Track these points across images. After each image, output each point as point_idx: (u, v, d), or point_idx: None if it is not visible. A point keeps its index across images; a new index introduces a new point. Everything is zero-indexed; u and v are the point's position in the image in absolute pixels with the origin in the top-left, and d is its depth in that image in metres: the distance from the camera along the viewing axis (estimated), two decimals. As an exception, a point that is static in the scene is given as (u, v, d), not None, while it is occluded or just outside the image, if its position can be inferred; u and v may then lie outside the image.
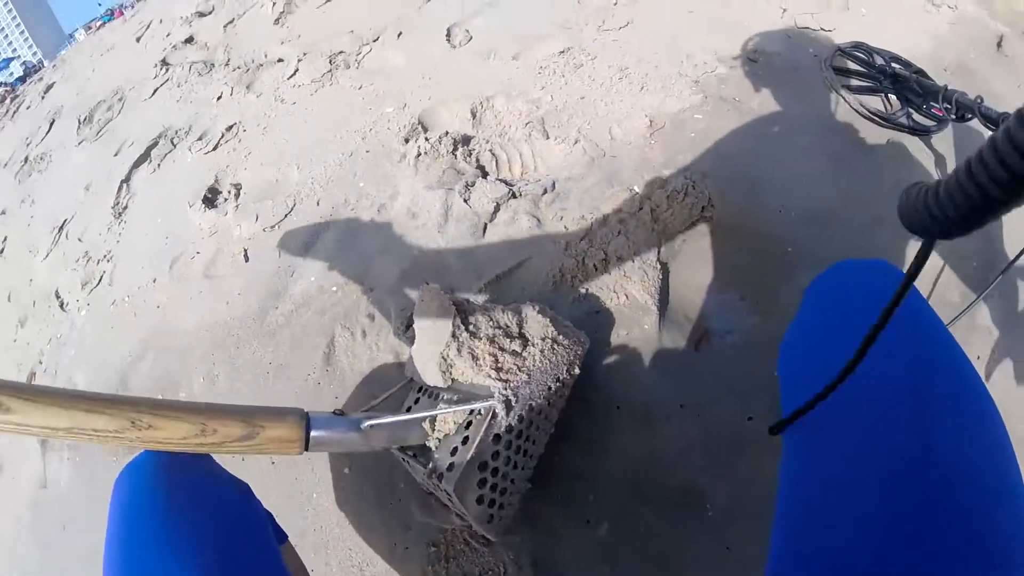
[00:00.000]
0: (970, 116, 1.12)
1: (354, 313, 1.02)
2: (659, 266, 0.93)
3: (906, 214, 0.34)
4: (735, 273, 0.98)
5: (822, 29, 1.41)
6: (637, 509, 0.84)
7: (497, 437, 0.72)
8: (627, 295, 0.90)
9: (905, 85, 1.26)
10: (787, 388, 0.53)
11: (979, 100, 1.11)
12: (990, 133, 1.02)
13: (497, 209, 1.00)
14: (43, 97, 3.75)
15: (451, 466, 0.71)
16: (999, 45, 1.54)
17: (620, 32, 1.36)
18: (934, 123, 1.24)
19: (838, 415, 0.45)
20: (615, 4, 1.45)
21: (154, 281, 1.50)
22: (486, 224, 1.00)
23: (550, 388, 0.79)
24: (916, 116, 1.25)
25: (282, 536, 0.72)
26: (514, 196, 1.01)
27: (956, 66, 1.43)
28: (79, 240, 2.00)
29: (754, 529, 0.83)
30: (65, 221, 2.16)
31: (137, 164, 1.97)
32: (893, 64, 1.30)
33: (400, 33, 1.73)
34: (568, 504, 0.84)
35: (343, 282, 1.06)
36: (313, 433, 0.77)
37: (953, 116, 1.17)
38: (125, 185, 1.96)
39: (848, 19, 1.45)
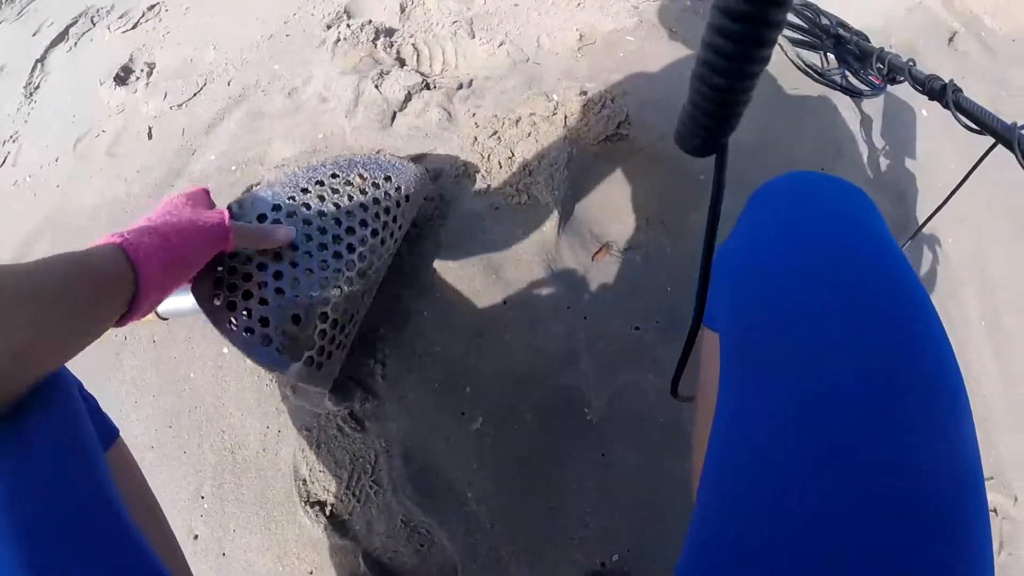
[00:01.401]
0: (900, 79, 1.13)
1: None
2: (566, 172, 0.90)
3: (678, 135, 0.33)
4: (644, 195, 0.97)
5: (772, -18, 1.39)
6: (514, 406, 0.82)
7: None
8: (529, 195, 0.87)
9: (845, 48, 1.26)
10: (724, 295, 0.46)
11: (911, 62, 1.11)
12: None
13: (408, 98, 0.95)
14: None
15: None
16: (951, 40, 1.56)
17: (569, -48, 1.31)
18: (867, 88, 1.25)
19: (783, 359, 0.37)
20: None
21: (56, 160, 1.39)
22: (395, 112, 0.95)
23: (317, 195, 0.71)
24: (851, 79, 1.25)
25: (110, 434, 0.56)
26: (428, 88, 0.96)
27: (904, 47, 1.43)
28: (-13, 122, 1.84)
29: (630, 437, 0.83)
30: (-27, 104, 1.98)
31: (54, 43, 1.81)
32: (840, 28, 1.30)
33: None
34: (445, 394, 0.82)
35: (243, 162, 1.00)
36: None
37: (886, 78, 1.18)
38: (40, 64, 1.80)
39: None
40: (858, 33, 1.32)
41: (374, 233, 0.74)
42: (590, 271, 0.89)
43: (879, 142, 1.24)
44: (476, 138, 0.91)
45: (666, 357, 0.86)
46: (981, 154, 0.82)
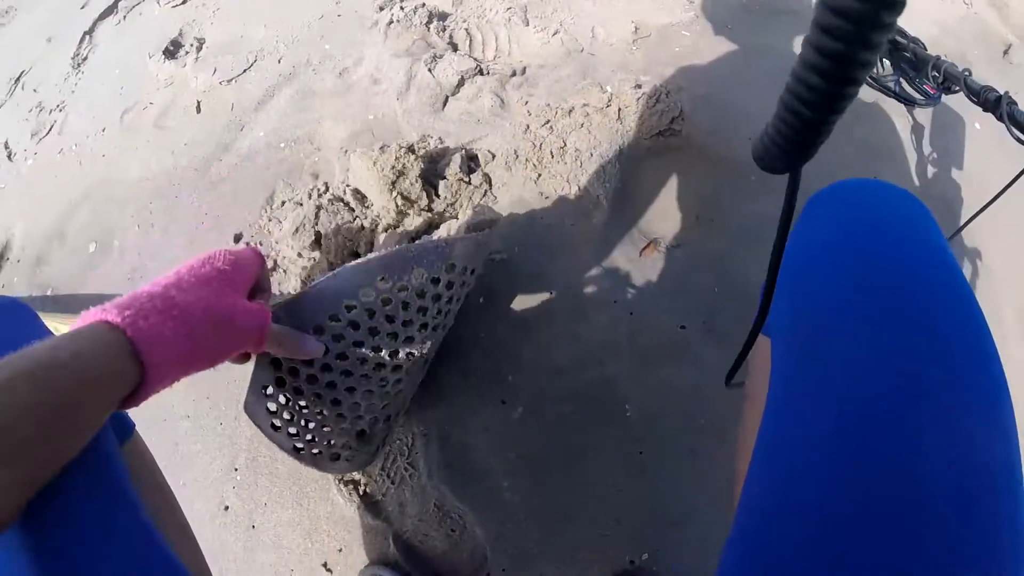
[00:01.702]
0: (956, 88, 1.10)
1: (298, 171, 0.96)
2: (617, 166, 0.89)
3: (757, 153, 0.33)
4: (694, 192, 0.95)
5: (827, -17, 1.36)
6: (555, 398, 0.81)
7: (277, 363, 0.58)
8: (579, 187, 0.86)
9: (902, 55, 1.23)
10: (782, 299, 0.44)
11: (967, 72, 1.08)
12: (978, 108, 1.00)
13: (461, 83, 0.94)
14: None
15: None
16: (1005, 52, 1.51)
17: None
18: (921, 97, 1.21)
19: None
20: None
21: (103, 131, 1.40)
22: (447, 97, 0.94)
23: (399, 303, 0.60)
24: (905, 86, 1.22)
25: (125, 429, 0.51)
26: (481, 73, 0.95)
27: (956, 56, 1.39)
28: (34, 91, 1.86)
29: (667, 436, 0.82)
30: (23, 72, 2.01)
31: (103, 16, 1.84)
32: (896, 35, 1.27)
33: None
34: (486, 382, 0.81)
35: (292, 140, 1.00)
36: None
37: (941, 87, 1.14)
38: (88, 36, 1.83)
39: None
40: (915, 40, 1.29)
41: (435, 328, 0.65)
42: (637, 266, 0.87)
43: (929, 152, 1.21)
44: (528, 126, 0.90)
45: (709, 357, 0.85)
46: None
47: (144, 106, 1.33)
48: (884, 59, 1.26)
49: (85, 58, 1.76)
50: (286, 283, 0.89)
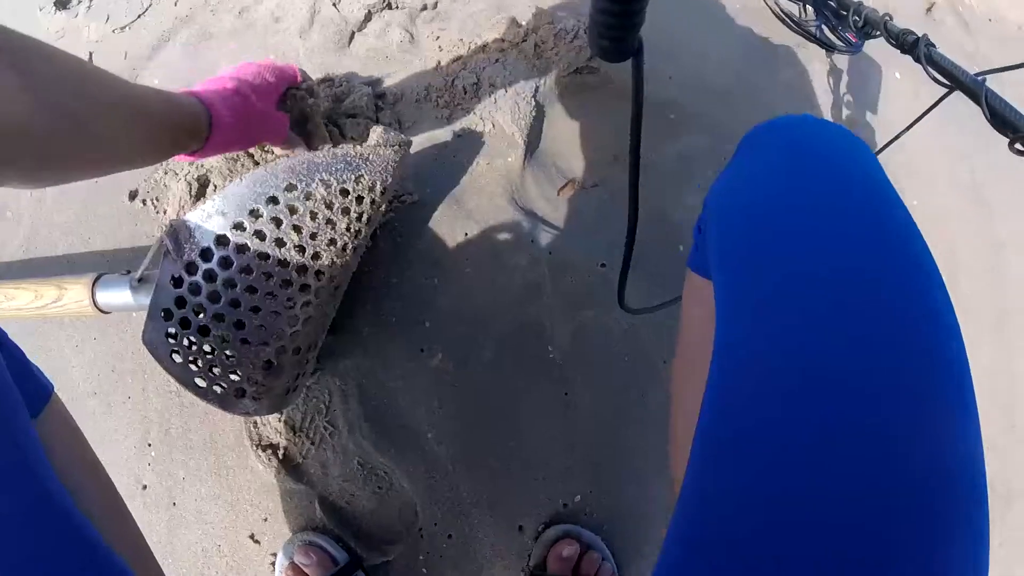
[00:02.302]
0: (876, 33, 1.09)
1: (195, 119, 0.88)
2: (533, 103, 0.84)
3: (590, 43, 0.33)
4: (613, 131, 0.91)
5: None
6: (475, 342, 0.78)
7: (178, 280, 0.57)
8: (494, 124, 0.81)
9: (826, 1, 1.21)
10: (718, 235, 0.40)
11: (887, 17, 1.07)
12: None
13: (368, 18, 0.87)
14: None
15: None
16: (928, 10, 1.51)
17: None
18: (843, 44, 1.20)
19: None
20: None
21: (-8, 93, 1.27)
22: (353, 32, 0.86)
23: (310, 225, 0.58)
24: (827, 32, 1.20)
25: (41, 392, 0.48)
26: (389, 7, 0.88)
27: (880, 7, 1.39)
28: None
29: (593, 375, 0.79)
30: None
31: (-8, -30, 1.66)
32: None
33: None
34: (403, 329, 0.77)
35: (187, 85, 0.91)
36: (96, 294, 0.68)
37: (861, 33, 1.13)
38: (-25, -8, 1.65)
39: None
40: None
41: (344, 248, 0.62)
42: (555, 206, 0.83)
43: (849, 100, 1.20)
44: (440, 62, 0.84)
45: (632, 295, 0.82)
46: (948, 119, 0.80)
47: (34, 63, 1.21)
48: (808, 4, 1.24)
49: (-28, 16, 1.59)
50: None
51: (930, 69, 0.84)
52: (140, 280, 0.68)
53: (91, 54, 1.09)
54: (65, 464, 0.44)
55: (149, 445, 0.82)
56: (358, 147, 0.61)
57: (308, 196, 0.58)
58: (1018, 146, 0.59)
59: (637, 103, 0.35)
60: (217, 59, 0.91)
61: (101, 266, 0.89)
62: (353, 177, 0.60)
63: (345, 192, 0.60)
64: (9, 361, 0.42)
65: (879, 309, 0.30)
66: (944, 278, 0.33)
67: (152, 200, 0.86)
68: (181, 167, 0.84)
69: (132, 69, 0.99)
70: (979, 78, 0.73)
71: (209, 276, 0.57)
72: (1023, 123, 0.60)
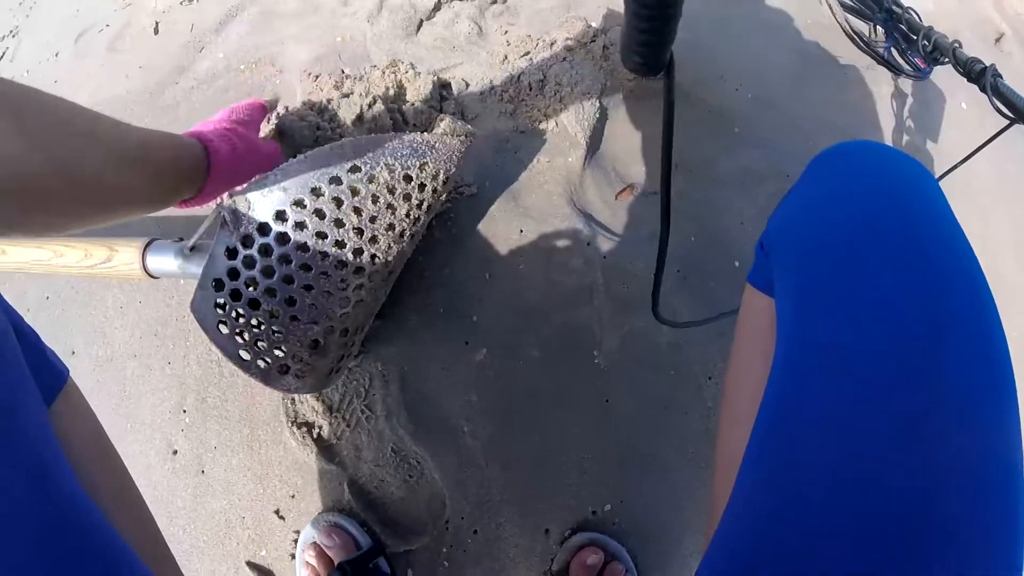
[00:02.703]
0: (944, 60, 1.06)
1: (258, 93, 0.88)
2: (598, 104, 0.82)
3: (622, 57, 0.33)
4: (675, 138, 0.89)
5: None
6: (521, 341, 0.76)
7: (232, 252, 0.56)
8: (557, 123, 0.79)
9: (896, 23, 1.18)
10: (788, 260, 0.41)
11: (956, 44, 1.04)
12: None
13: (438, 7, 0.86)
14: None
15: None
16: (997, 40, 1.47)
17: None
18: (910, 68, 1.17)
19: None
20: None
21: (56, 56, 1.29)
22: (422, 20, 0.86)
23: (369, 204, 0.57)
24: (896, 55, 1.18)
25: (55, 377, 0.46)
26: (459, -2, 0.88)
27: (949, 34, 1.36)
28: (-13, 15, 1.72)
29: (636, 386, 0.77)
30: (-26, -3, 1.86)
31: (63, -64, 1.68)
32: (894, 4, 1.22)
33: None
34: (450, 321, 0.76)
35: (253, 62, 0.91)
36: (147, 259, 0.68)
37: (930, 59, 1.10)
38: (46, -42, 1.68)
39: None
40: (910, 10, 1.24)
41: (401, 235, 0.60)
42: (613, 209, 0.82)
43: (913, 126, 1.17)
44: (507, 56, 0.82)
45: (682, 308, 0.80)
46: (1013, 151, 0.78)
47: (100, 28, 1.22)
48: (879, 26, 1.22)
49: (41, -20, 1.62)
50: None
51: (995, 100, 0.82)
52: (192, 249, 0.67)
53: (157, 24, 1.10)
54: (79, 453, 0.43)
55: (184, 411, 0.82)
56: (425, 134, 0.60)
57: (371, 179, 0.57)
58: None
59: (668, 117, 0.36)
60: (284, 37, 0.91)
61: (153, 231, 0.89)
62: (418, 164, 0.59)
63: (408, 178, 0.59)
64: (25, 348, 0.41)
65: (935, 394, 0.29)
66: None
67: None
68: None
69: (197, 42, 1.00)
70: None
71: (264, 250, 0.56)
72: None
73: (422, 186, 0.60)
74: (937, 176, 0.88)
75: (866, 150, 0.43)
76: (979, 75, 0.90)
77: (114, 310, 0.87)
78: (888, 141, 1.11)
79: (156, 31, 1.07)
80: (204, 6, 1.03)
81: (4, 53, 1.50)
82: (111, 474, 0.49)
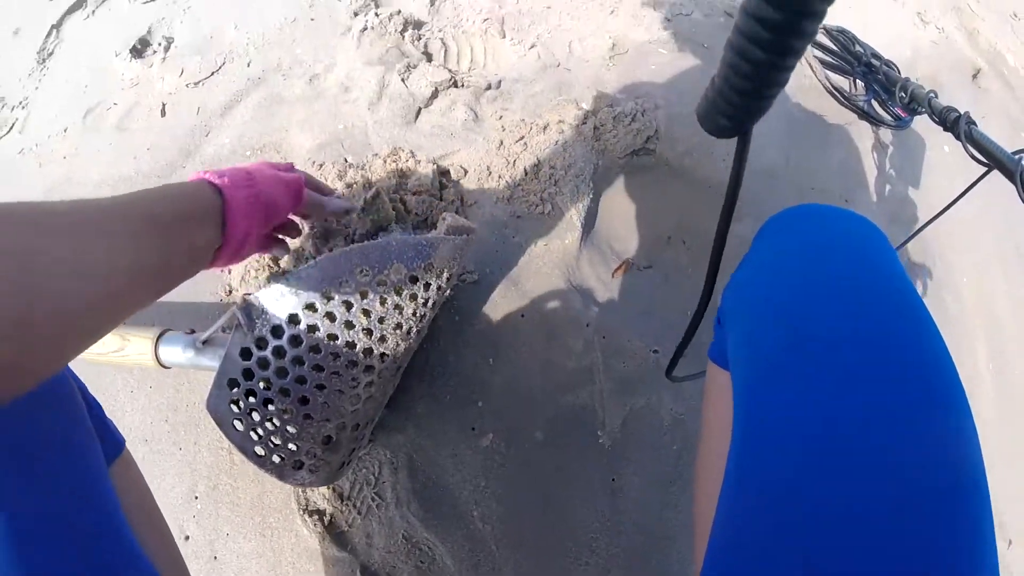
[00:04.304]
0: (921, 109, 1.07)
1: (263, 182, 0.88)
2: (591, 185, 0.83)
3: (702, 115, 0.30)
4: (668, 211, 0.90)
5: (804, 5, 1.32)
6: (526, 424, 0.76)
7: (246, 352, 0.56)
8: (553, 206, 0.80)
9: (875, 76, 1.20)
10: (738, 330, 0.42)
11: (932, 94, 1.05)
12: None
13: (435, 95, 0.87)
14: None
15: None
16: (974, 76, 1.50)
17: (603, -43, 1.23)
18: (891, 119, 1.19)
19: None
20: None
21: (65, 131, 1.30)
22: (420, 108, 0.87)
23: (376, 301, 0.57)
24: (877, 107, 1.19)
25: (115, 445, 0.50)
26: (455, 85, 0.88)
27: (928, 79, 1.37)
28: (-2, 85, 1.74)
29: (642, 463, 0.77)
30: (-13, 64, 1.88)
31: (72, 10, 1.70)
32: (873, 59, 1.24)
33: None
34: (456, 407, 0.75)
35: (258, 148, 0.92)
36: (160, 349, 0.68)
37: (908, 109, 1.12)
38: (55, 30, 1.70)
39: (834, 10, 1.36)
40: (888, 63, 1.26)
41: (408, 332, 0.61)
42: (609, 287, 0.82)
43: (900, 176, 1.18)
44: (502, 142, 0.83)
45: (684, 383, 0.80)
46: (996, 194, 0.78)
47: (108, 106, 1.23)
48: (858, 79, 1.23)
49: (51, 53, 1.64)
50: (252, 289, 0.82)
51: (969, 147, 0.83)
52: (204, 342, 0.67)
53: (164, 105, 1.11)
54: (129, 512, 0.44)
55: (196, 498, 0.81)
56: (428, 235, 0.60)
57: (380, 282, 0.57)
58: None
59: (736, 178, 0.33)
60: (288, 124, 0.92)
61: (162, 317, 0.89)
62: (423, 264, 0.59)
63: (414, 279, 0.59)
64: (90, 415, 0.45)
65: (884, 439, 0.31)
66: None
67: (217, 258, 0.86)
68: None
69: (204, 125, 1.00)
70: (1017, 156, 0.71)
71: (278, 352, 0.56)
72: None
73: (427, 285, 0.61)
74: (920, 225, 0.89)
75: (812, 216, 0.44)
76: (954, 123, 0.91)
77: (124, 394, 0.87)
78: (874, 194, 1.12)
79: (163, 113, 1.08)
80: (210, 89, 1.03)
81: (14, 124, 1.51)
82: (162, 540, 0.53)
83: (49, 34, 1.73)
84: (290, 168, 0.62)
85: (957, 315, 1.06)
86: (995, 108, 1.42)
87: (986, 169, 0.80)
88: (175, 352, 0.69)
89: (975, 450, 0.32)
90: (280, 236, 0.66)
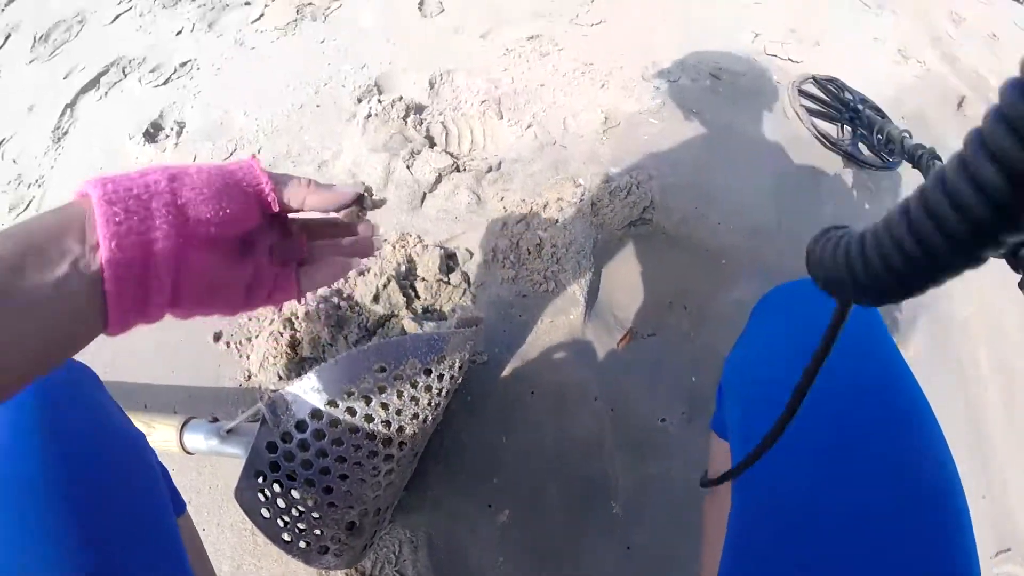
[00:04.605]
0: (893, 147, 1.12)
1: (278, 268, 0.93)
2: (592, 259, 0.87)
3: (820, 269, 0.25)
4: (667, 278, 0.94)
5: (790, 60, 1.38)
6: (541, 498, 0.79)
7: (272, 446, 0.60)
8: (557, 283, 0.84)
9: (861, 121, 1.25)
10: (735, 407, 0.47)
11: (905, 134, 1.09)
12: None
13: (439, 180, 0.92)
14: (3, 9, 3.40)
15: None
16: (960, 105, 1.55)
17: (592, 28, 1.30)
18: (879, 162, 1.23)
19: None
20: (592, 1, 1.38)
21: (82, 211, 1.36)
22: (425, 194, 0.92)
23: (394, 394, 0.61)
24: (865, 151, 1.24)
25: (180, 505, 0.56)
26: (458, 170, 0.94)
27: (914, 115, 1.43)
28: (14, 162, 1.80)
29: (656, 531, 0.79)
30: (3, 140, 1.95)
31: (85, 90, 1.78)
32: (860, 104, 1.29)
33: (375, -6, 1.61)
34: (472, 485, 0.78)
35: (272, 235, 0.97)
36: (184, 437, 0.72)
37: (885, 150, 1.16)
38: (69, 110, 1.78)
39: (817, 55, 1.42)
40: (874, 107, 1.31)
41: (425, 420, 0.65)
42: (615, 358, 0.85)
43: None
44: (505, 223, 0.88)
45: (692, 448, 0.83)
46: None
47: (124, 190, 1.29)
48: (845, 125, 1.29)
49: (66, 132, 1.71)
50: (265, 380, 0.86)
51: None
52: (229, 431, 0.71)
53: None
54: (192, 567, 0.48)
55: (220, 578, 0.83)
56: (440, 330, 0.64)
57: (396, 377, 0.61)
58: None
59: (826, 346, 0.30)
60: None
61: (183, 401, 0.93)
62: (436, 358, 0.63)
63: (428, 371, 0.63)
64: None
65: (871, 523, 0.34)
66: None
67: (236, 344, 0.90)
68: (265, 315, 0.88)
69: (218, 211, 1.06)
70: None
71: (303, 445, 0.60)
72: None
73: (441, 376, 0.65)
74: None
75: (793, 297, 0.48)
76: (918, 159, 0.95)
77: (149, 478, 0.90)
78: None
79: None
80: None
81: (31, 202, 1.57)
82: None
83: (63, 113, 1.80)
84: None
85: (961, 322, 1.08)
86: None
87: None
88: (199, 440, 0.73)
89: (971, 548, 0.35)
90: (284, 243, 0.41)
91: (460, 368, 0.67)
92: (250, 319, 0.90)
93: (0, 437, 0.41)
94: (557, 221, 0.88)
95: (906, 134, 1.08)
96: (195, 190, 0.33)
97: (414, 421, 0.64)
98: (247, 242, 0.36)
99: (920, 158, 0.95)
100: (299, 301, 0.60)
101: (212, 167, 0.35)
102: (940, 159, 0.93)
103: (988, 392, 1.05)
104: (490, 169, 0.94)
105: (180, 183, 0.32)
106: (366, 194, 0.42)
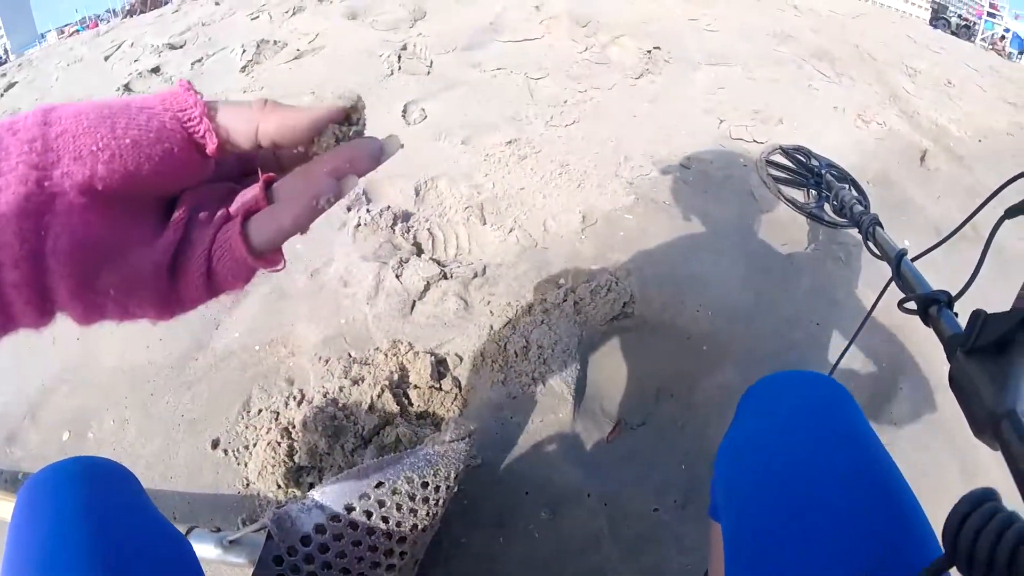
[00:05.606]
0: (845, 212, 1.18)
1: (273, 376, 0.98)
2: (578, 356, 0.94)
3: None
4: (652, 367, 1.00)
5: (755, 141, 1.51)
6: (539, 600, 0.81)
7: (279, 559, 0.63)
8: (545, 384, 0.90)
9: (825, 185, 1.36)
10: (728, 498, 0.52)
11: (856, 200, 1.16)
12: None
13: (427, 288, 0.99)
14: (1, 95, 3.56)
15: None
16: (922, 159, 1.66)
17: (566, 129, 1.42)
18: (844, 220, 1.32)
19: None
20: (564, 103, 1.51)
21: (74, 318, 1.40)
22: (415, 301, 0.99)
23: (391, 510, 0.66)
24: (830, 212, 1.32)
25: None
26: (445, 277, 1.01)
27: (879, 178, 1.54)
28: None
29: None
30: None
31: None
32: (824, 169, 1.41)
33: (360, 101, 1.72)
34: (469, 592, 0.81)
35: (266, 342, 1.02)
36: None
37: (841, 214, 1.24)
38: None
39: (780, 132, 1.56)
40: (839, 171, 1.43)
41: (424, 530, 0.69)
42: (606, 452, 0.90)
43: (864, 282, 1.28)
44: (492, 327, 0.95)
45: (687, 535, 0.86)
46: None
47: (118, 296, 1.34)
48: (811, 189, 1.40)
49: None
50: (263, 488, 0.89)
51: (870, 246, 0.90)
52: (232, 541, 0.75)
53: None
54: None
55: None
56: (435, 445, 0.70)
57: (395, 491, 0.66)
58: (906, 305, 0.64)
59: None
60: (294, 318, 1.03)
61: (181, 507, 0.95)
62: (432, 471, 0.69)
63: (425, 484, 0.68)
64: None
65: None
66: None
67: (234, 451, 0.93)
68: (262, 423, 0.93)
69: (213, 318, 1.11)
70: (900, 253, 0.76)
71: (307, 559, 0.64)
72: (918, 288, 0.65)
73: (438, 487, 0.69)
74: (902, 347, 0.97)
75: (775, 391, 0.54)
76: (861, 225, 1.01)
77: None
78: (856, 311, 1.19)
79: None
80: (217, 284, 1.15)
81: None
82: None
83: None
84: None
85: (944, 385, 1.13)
86: (948, 186, 1.57)
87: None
88: (204, 549, 0.76)
89: None
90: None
91: (456, 478, 0.72)
92: (247, 427, 0.94)
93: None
94: (542, 322, 0.95)
95: (856, 200, 1.17)
96: (78, 137, 0.23)
97: (414, 531, 0.68)
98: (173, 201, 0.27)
99: (862, 224, 1.01)
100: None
101: (117, 102, 0.26)
102: (881, 225, 0.99)
103: (979, 449, 1.09)
104: (475, 275, 1.01)
105: (54, 128, 0.24)
106: (358, 104, 0.29)
